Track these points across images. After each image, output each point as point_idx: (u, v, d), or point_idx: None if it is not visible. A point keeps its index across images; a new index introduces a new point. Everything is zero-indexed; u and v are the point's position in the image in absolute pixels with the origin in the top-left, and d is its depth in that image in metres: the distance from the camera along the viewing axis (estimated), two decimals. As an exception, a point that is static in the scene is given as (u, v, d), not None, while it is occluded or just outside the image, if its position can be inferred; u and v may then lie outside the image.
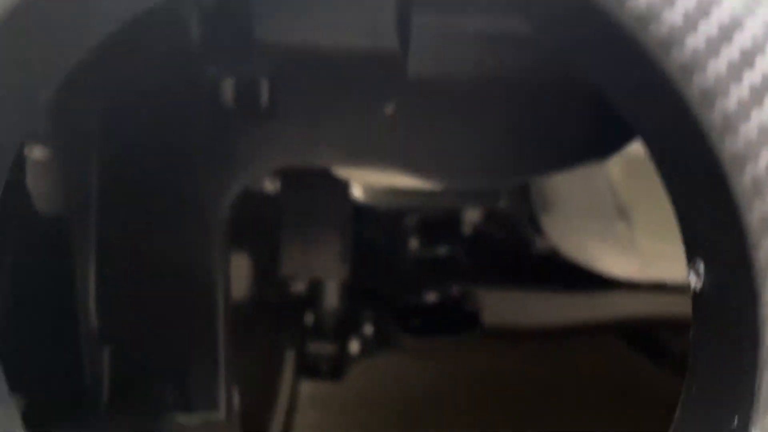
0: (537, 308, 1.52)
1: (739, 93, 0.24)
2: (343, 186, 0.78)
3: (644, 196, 0.81)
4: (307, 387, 1.53)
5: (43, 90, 0.39)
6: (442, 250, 1.54)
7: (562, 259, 1.41)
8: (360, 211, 1.33)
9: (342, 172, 0.68)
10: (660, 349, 1.96)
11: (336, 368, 1.36)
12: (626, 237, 0.86)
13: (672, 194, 0.31)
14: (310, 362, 1.35)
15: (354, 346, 1.36)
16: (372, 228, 1.45)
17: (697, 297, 0.31)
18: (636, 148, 0.59)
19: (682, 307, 1.33)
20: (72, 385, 0.61)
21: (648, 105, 0.28)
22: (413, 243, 1.58)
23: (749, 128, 0.24)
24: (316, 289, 1.33)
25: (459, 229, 1.59)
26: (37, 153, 0.58)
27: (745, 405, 0.27)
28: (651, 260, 0.92)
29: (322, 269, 0.77)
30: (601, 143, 0.57)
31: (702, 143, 0.25)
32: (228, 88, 0.58)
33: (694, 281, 0.31)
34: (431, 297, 1.52)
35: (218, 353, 0.62)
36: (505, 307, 1.53)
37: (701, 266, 0.30)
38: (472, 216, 1.58)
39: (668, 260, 0.92)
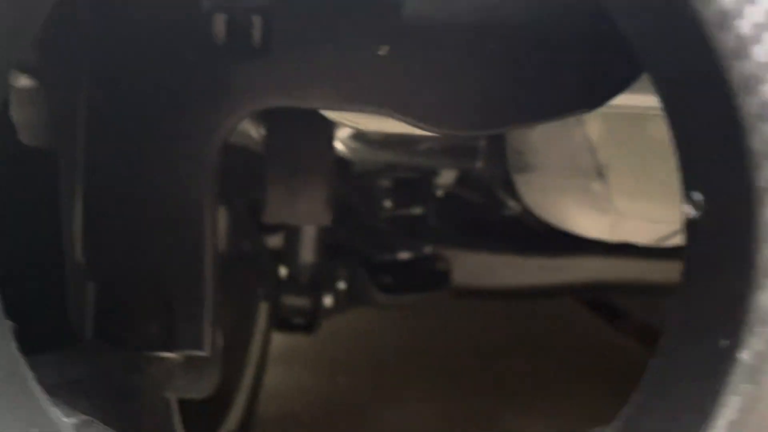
0: (505, 270, 1.56)
1: (754, 15, 0.25)
2: (328, 132, 0.78)
3: (621, 155, 0.83)
4: (277, 339, 1.55)
5: (30, 21, 0.39)
6: (415, 211, 1.56)
7: (531, 222, 1.44)
8: (338, 168, 1.33)
9: (333, 115, 0.68)
10: (616, 312, 2.03)
11: (309, 322, 1.37)
12: (602, 196, 0.88)
13: (675, 126, 0.32)
14: (284, 315, 1.36)
15: (327, 301, 1.38)
16: (348, 186, 1.45)
17: (692, 227, 0.33)
18: (615, 106, 0.60)
19: (640, 272, 1.38)
20: (56, 318, 0.60)
21: (663, 28, 0.29)
22: (388, 202, 1.59)
23: (762, 50, 0.25)
24: (291, 243, 1.33)
25: (433, 191, 1.61)
26: (23, 82, 0.57)
27: (735, 327, 0.29)
28: (624, 219, 0.95)
29: (306, 216, 0.77)
30: (591, 93, 0.58)
31: (714, 66, 0.26)
32: (220, 24, 0.57)
33: (691, 212, 0.32)
34: (403, 255, 1.53)
35: (204, 293, 0.62)
36: (475, 268, 1.56)
37: (699, 197, 0.31)
38: (446, 178, 1.59)
39: (640, 219, 0.94)
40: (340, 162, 1.21)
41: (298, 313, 1.37)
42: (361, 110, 0.60)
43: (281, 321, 1.37)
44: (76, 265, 0.60)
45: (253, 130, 0.79)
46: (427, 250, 1.54)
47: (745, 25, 0.26)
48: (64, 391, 0.47)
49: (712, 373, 0.30)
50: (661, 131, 0.74)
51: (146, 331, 0.62)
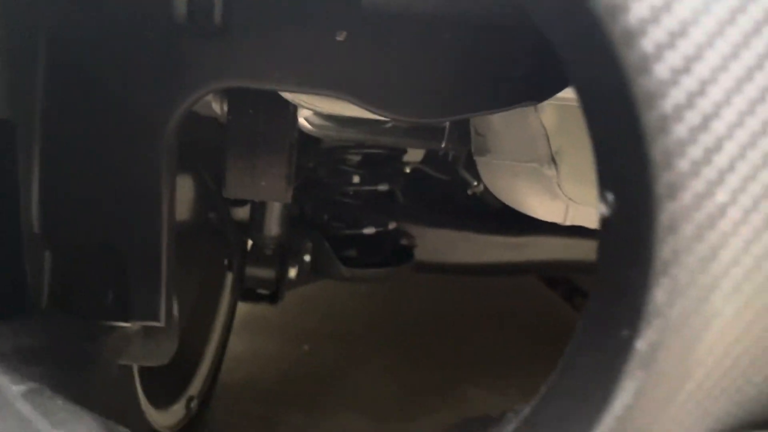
0: (467, 248, 1.60)
1: (657, 34, 0.27)
2: (290, 111, 0.79)
3: (571, 143, 0.86)
4: (243, 309, 1.57)
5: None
6: (382, 187, 1.58)
7: (493, 202, 1.47)
8: (306, 143, 1.34)
9: (291, 96, 0.69)
10: (574, 290, 2.09)
11: (273, 293, 1.40)
12: (553, 181, 0.91)
13: (592, 131, 0.34)
14: (249, 286, 1.38)
15: (292, 272, 1.40)
16: (316, 161, 1.47)
17: (605, 224, 0.35)
18: (569, 96, 0.63)
19: (587, 252, 1.41)
20: (13, 287, 0.61)
21: (577, 45, 0.31)
22: (356, 178, 1.61)
23: (662, 68, 0.28)
24: (257, 215, 1.35)
25: (400, 168, 1.63)
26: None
27: (634, 319, 0.32)
28: (574, 205, 0.98)
29: (266, 192, 0.78)
30: (539, 85, 0.60)
31: (620, 81, 0.28)
32: (181, 3, 0.57)
33: (604, 210, 0.35)
34: (368, 230, 1.56)
35: (160, 265, 0.63)
36: (438, 244, 1.59)
37: (611, 197, 0.34)
38: (413, 156, 1.61)
39: (589, 205, 0.98)
40: (309, 137, 1.22)
41: (263, 284, 1.39)
42: (318, 94, 0.61)
43: (246, 291, 1.40)
44: (32, 235, 0.61)
45: (216, 106, 0.80)
46: (392, 225, 1.57)
47: (648, 43, 0.28)
48: (16, 359, 0.49)
49: (613, 359, 0.33)
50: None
51: (102, 300, 0.64)
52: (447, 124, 1.30)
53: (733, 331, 0.32)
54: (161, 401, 1.22)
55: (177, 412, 1.31)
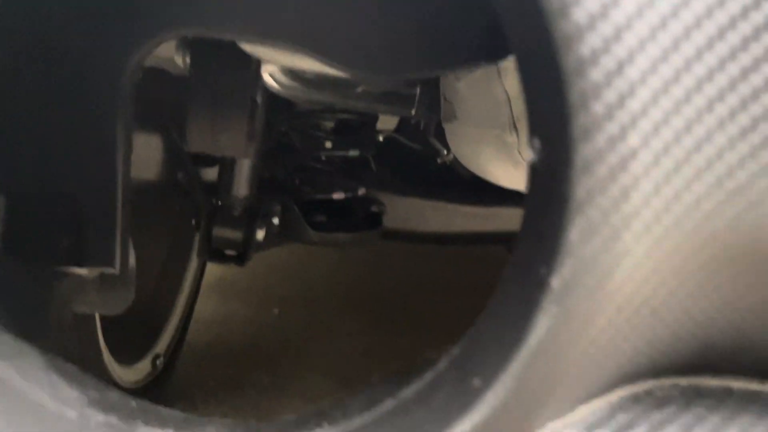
0: (437, 216, 1.61)
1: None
2: (253, 66, 0.79)
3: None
4: (213, 270, 1.57)
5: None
6: (353, 152, 1.58)
7: (462, 171, 1.48)
8: (279, 106, 1.34)
9: (251, 49, 0.69)
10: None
11: (240, 254, 1.40)
12: (515, 148, 0.92)
13: (520, 76, 0.35)
14: (216, 246, 1.38)
15: (260, 234, 1.40)
16: (289, 124, 1.46)
17: (532, 170, 0.37)
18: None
19: None
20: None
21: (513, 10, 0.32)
22: (328, 143, 1.61)
23: (580, 13, 0.29)
24: (225, 175, 1.35)
25: (374, 135, 1.63)
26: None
27: (550, 257, 0.33)
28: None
29: (226, 148, 0.79)
30: (495, 45, 0.61)
31: (541, 24, 0.29)
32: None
33: (531, 156, 0.36)
34: (338, 195, 1.57)
35: (116, 212, 0.64)
36: (407, 212, 1.60)
37: (537, 143, 0.35)
38: (387, 123, 1.62)
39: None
40: (282, 101, 1.22)
41: (230, 245, 1.39)
42: (275, 46, 0.61)
43: (213, 252, 1.40)
44: (-15, 179, 0.61)
45: (179, 59, 0.79)
46: (362, 191, 1.58)
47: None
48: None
49: (530, 297, 0.34)
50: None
51: (56, 246, 0.64)
52: (417, 90, 1.30)
53: (643, 270, 0.34)
54: (126, 357, 1.23)
55: (142, 369, 1.32)
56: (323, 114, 1.51)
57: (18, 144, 0.62)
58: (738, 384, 0.45)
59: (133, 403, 0.52)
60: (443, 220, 1.61)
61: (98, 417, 0.48)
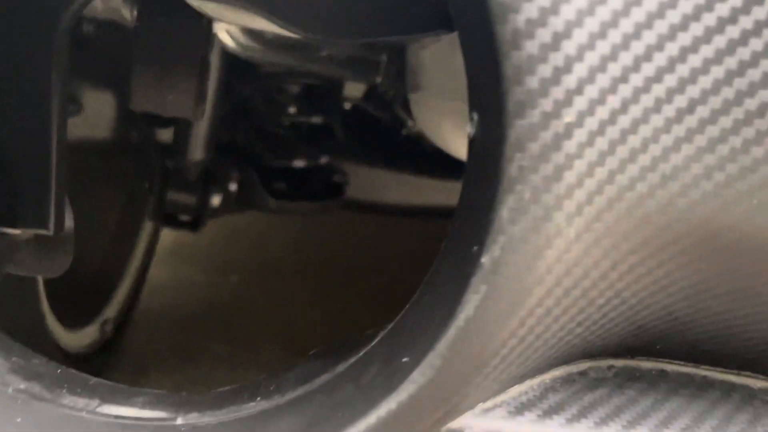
0: (400, 188, 1.60)
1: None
2: (204, 23, 0.76)
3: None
4: (169, 236, 1.54)
5: None
6: (317, 120, 1.55)
7: (427, 143, 1.47)
8: (242, 69, 1.30)
9: (197, 4, 0.66)
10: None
11: (195, 219, 1.38)
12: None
13: (462, 50, 0.34)
14: (170, 211, 1.35)
15: (216, 200, 1.38)
16: (251, 87, 1.43)
17: (471, 144, 0.35)
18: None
19: None
20: None
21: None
22: (292, 108, 1.58)
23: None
24: (180, 138, 1.31)
25: (339, 103, 1.60)
26: None
27: (482, 235, 0.32)
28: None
29: (174, 108, 0.76)
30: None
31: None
32: None
33: (470, 131, 0.35)
34: (300, 163, 1.54)
35: (50, 171, 0.61)
36: (369, 183, 1.59)
37: (476, 117, 0.34)
38: (354, 91, 1.59)
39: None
40: (246, 63, 1.18)
41: (184, 210, 1.37)
42: (227, 3, 0.59)
43: (167, 216, 1.37)
44: None
45: (126, 12, 0.76)
46: (324, 160, 1.55)
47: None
48: None
49: (461, 274, 0.34)
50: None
51: (-12, 206, 0.61)
52: (384, 58, 1.28)
53: (574, 251, 0.33)
54: (72, 322, 1.20)
55: (90, 334, 1.29)
56: (288, 78, 1.47)
57: None
58: (672, 367, 0.45)
59: (59, 370, 0.50)
60: (407, 192, 1.60)
61: (19, 384, 0.46)
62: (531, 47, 0.29)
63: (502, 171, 0.30)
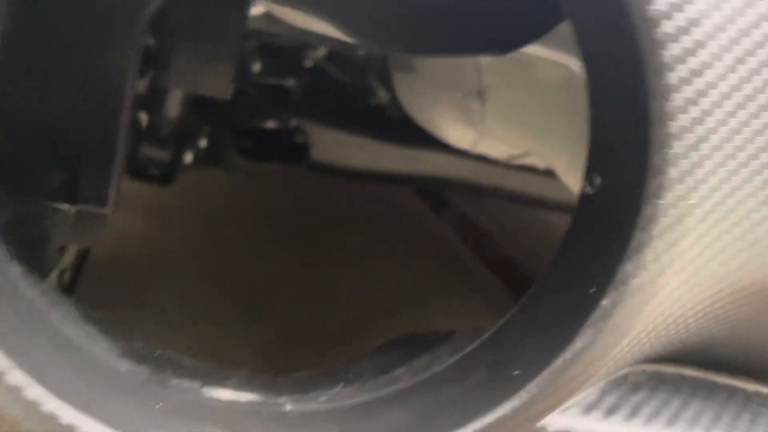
0: (363, 153, 1.65)
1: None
2: (242, 10, 0.77)
3: (504, 84, 0.92)
4: (135, 191, 1.52)
5: None
6: (288, 81, 1.56)
7: (393, 112, 1.52)
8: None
9: (268, 7, 0.68)
10: (442, 202, 2.25)
11: (165, 175, 1.37)
12: (477, 115, 0.98)
13: (593, 115, 0.41)
14: (141, 164, 1.34)
15: (188, 157, 1.38)
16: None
17: (586, 199, 0.43)
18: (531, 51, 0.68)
19: (477, 175, 1.55)
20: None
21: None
22: (256, 66, 1.57)
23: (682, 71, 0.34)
24: (158, 93, 1.30)
25: (302, 60, 1.61)
26: None
27: (604, 282, 0.40)
28: (488, 138, 1.06)
29: (209, 88, 0.78)
30: (503, 38, 0.65)
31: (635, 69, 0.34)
32: None
33: (588, 189, 0.42)
34: (267, 124, 1.55)
35: (115, 154, 0.63)
36: (335, 147, 1.63)
37: (598, 180, 0.41)
38: (317, 50, 1.59)
39: (503, 141, 1.07)
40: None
41: (156, 165, 1.36)
42: (301, 9, 0.61)
43: (137, 169, 1.36)
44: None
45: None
46: (292, 122, 1.57)
47: (675, 48, 0.34)
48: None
49: (578, 309, 0.42)
50: (547, 75, 0.83)
51: (49, 179, 0.62)
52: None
53: (673, 296, 0.42)
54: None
55: (50, 284, 1.28)
56: (251, 35, 1.46)
57: (20, 74, 0.58)
58: (687, 371, 0.56)
59: (157, 352, 0.54)
60: (367, 156, 1.64)
61: (135, 368, 0.50)
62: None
63: (632, 238, 0.38)
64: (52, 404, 0.40)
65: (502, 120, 0.92)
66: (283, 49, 1.56)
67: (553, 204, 1.67)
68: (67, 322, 0.47)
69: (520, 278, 1.96)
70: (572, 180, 0.84)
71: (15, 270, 0.44)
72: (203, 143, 1.43)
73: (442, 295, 1.74)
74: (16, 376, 0.39)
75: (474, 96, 0.98)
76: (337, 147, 1.64)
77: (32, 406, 0.39)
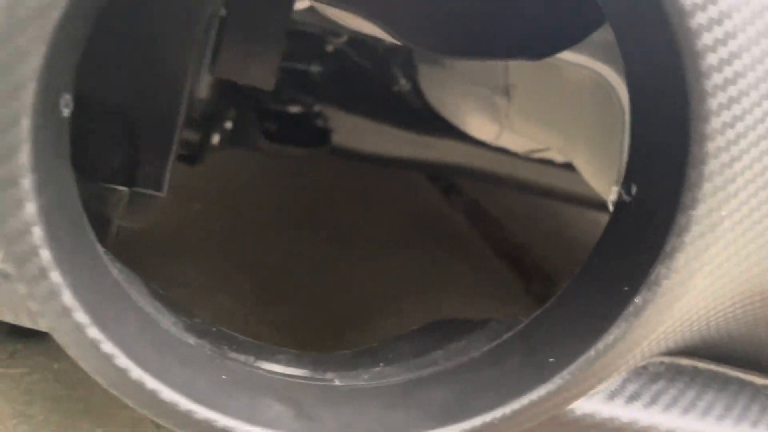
0: (381, 139, 1.68)
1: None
2: (289, 3, 0.81)
3: (532, 82, 0.96)
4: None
5: None
6: (312, 67, 1.59)
7: (412, 100, 1.55)
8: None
9: (321, 7, 0.71)
10: (451, 186, 2.30)
11: (194, 154, 1.41)
12: (502, 110, 1.01)
13: (635, 133, 0.45)
14: (174, 146, 1.37)
15: (216, 138, 1.42)
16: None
17: (621, 206, 0.47)
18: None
19: (490, 163, 1.58)
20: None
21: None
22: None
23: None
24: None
25: (323, 45, 1.63)
26: None
27: (637, 282, 0.45)
28: (510, 132, 1.10)
29: (254, 79, 0.82)
30: (543, 44, 0.69)
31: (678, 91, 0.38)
32: None
33: (625, 197, 0.47)
34: (291, 108, 1.59)
35: (173, 140, 0.67)
36: (354, 132, 1.66)
37: (635, 189, 0.46)
38: (340, 38, 1.62)
39: (526, 136, 1.10)
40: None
41: (186, 145, 1.40)
42: (352, 12, 0.65)
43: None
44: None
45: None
46: (316, 107, 1.61)
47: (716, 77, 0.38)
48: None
49: (612, 305, 0.46)
50: (574, 77, 0.87)
51: (110, 164, 0.66)
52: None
53: (698, 299, 0.46)
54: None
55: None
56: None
57: (104, 66, 0.62)
58: (701, 364, 0.61)
59: (214, 328, 0.59)
60: (389, 143, 1.68)
61: (199, 342, 0.54)
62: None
63: (666, 246, 0.43)
64: (137, 373, 0.45)
65: (526, 116, 0.96)
66: (306, 35, 1.59)
67: (565, 195, 1.71)
68: (142, 298, 0.52)
69: (528, 266, 2.00)
70: (591, 175, 0.88)
71: (100, 249, 0.48)
72: (229, 125, 1.47)
73: (451, 280, 1.78)
74: (108, 347, 0.43)
75: (500, 92, 1.01)
76: (357, 132, 1.68)
77: (122, 372, 0.44)
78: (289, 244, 1.75)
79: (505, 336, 0.53)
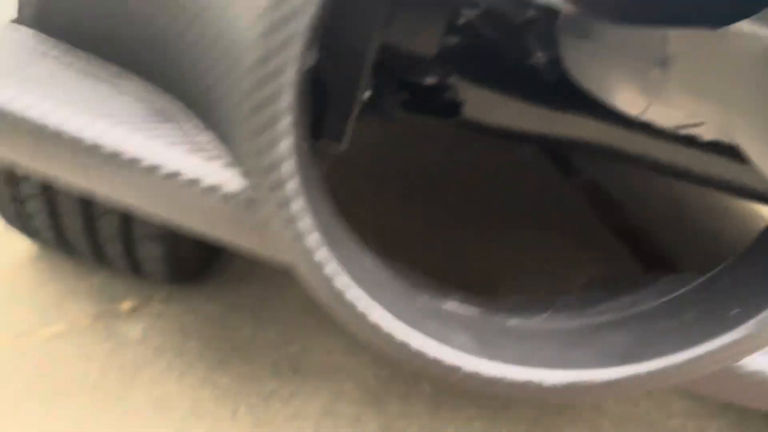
0: (511, 113, 1.69)
1: None
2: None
3: (693, 52, 0.93)
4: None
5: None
6: (448, 39, 1.61)
7: (549, 75, 1.54)
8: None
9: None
10: (571, 165, 2.27)
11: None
12: (658, 83, 1.00)
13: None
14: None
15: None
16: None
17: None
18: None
19: (623, 141, 1.54)
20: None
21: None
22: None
23: None
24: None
25: (456, 19, 1.65)
26: None
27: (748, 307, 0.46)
28: (659, 106, 1.08)
29: (421, 46, 0.86)
30: (720, 12, 0.69)
31: None
32: None
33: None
34: (430, 80, 1.62)
35: (357, 94, 0.73)
36: (484, 104, 1.67)
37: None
38: (474, 9, 1.62)
39: (679, 110, 1.08)
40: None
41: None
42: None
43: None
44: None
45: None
46: (450, 79, 1.63)
47: None
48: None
49: (721, 321, 0.48)
50: (741, 48, 0.85)
51: (304, 120, 0.73)
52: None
53: None
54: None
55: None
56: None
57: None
58: None
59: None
60: (517, 116, 1.68)
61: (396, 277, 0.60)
62: None
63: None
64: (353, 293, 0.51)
65: (685, 88, 0.94)
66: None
67: (696, 177, 1.65)
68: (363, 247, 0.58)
69: (647, 248, 1.96)
70: (755, 153, 0.86)
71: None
72: (368, 94, 1.52)
73: (568, 258, 1.78)
74: (331, 267, 0.50)
75: (657, 64, 1.00)
76: (487, 105, 1.69)
77: (339, 293, 0.50)
78: (410, 210, 1.80)
79: (682, 290, 0.55)
